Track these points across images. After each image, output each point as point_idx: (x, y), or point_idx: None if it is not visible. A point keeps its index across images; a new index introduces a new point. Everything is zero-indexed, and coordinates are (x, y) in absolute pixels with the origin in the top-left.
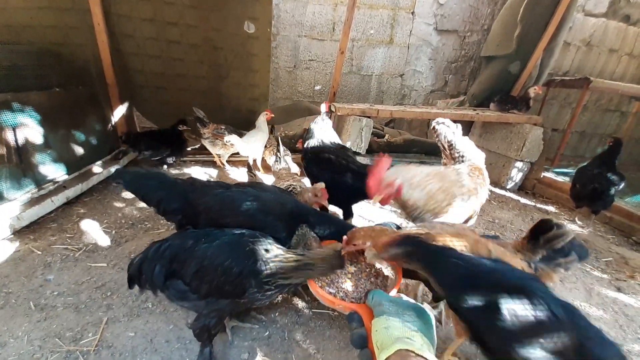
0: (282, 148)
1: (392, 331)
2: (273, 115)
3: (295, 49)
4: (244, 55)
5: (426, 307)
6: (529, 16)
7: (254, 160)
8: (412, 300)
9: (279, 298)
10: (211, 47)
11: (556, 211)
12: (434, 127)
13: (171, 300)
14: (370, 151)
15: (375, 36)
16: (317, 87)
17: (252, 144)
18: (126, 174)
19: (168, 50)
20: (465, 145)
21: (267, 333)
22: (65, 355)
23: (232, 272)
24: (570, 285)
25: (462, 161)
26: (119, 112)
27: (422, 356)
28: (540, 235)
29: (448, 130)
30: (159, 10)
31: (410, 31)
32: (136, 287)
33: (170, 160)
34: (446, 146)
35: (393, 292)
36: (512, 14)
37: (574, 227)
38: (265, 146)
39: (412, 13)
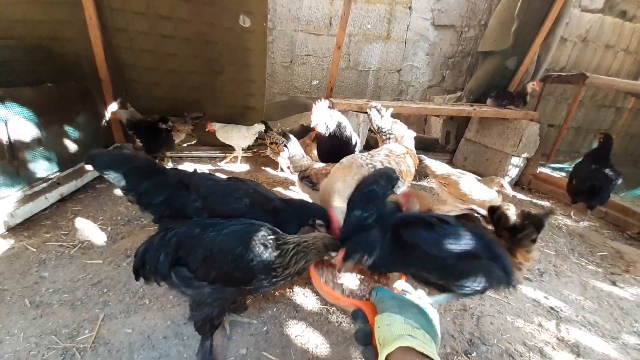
0: (280, 138)
1: (394, 328)
2: None
3: (291, 44)
4: (239, 50)
5: (428, 306)
6: (526, 11)
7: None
8: (416, 298)
9: (277, 293)
10: (205, 41)
11: (552, 206)
12: (367, 112)
13: (174, 287)
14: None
15: (372, 31)
16: (314, 83)
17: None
18: (101, 155)
19: (161, 44)
20: (395, 130)
21: (266, 328)
22: (61, 352)
23: (244, 259)
24: (566, 279)
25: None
26: (113, 107)
27: (423, 353)
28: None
29: (377, 115)
30: (152, 3)
31: (408, 26)
32: (135, 283)
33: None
34: (376, 130)
35: (400, 284)
36: (509, 9)
37: (569, 221)
38: (276, 143)
39: (410, 8)
